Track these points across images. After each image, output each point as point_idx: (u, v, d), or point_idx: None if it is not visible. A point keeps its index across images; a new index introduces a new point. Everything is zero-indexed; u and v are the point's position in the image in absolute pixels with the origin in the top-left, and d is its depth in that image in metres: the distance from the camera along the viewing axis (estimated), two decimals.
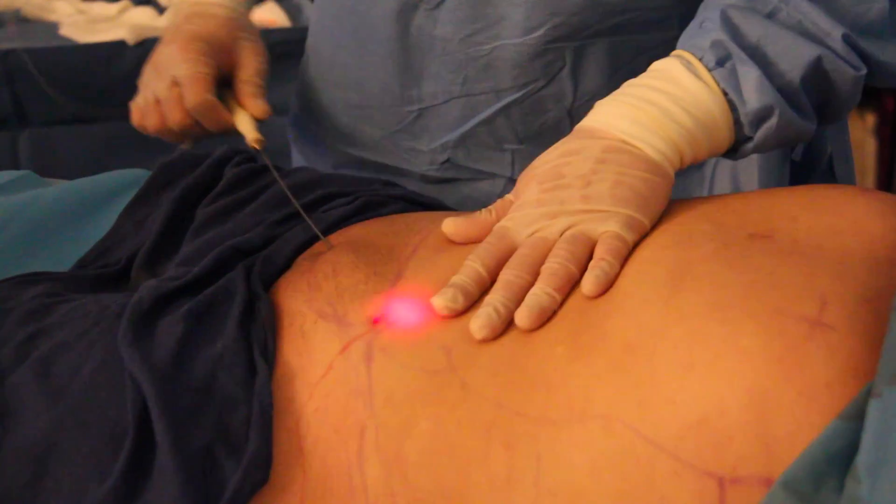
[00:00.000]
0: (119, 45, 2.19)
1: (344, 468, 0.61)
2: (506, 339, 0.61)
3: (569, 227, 0.65)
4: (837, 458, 0.47)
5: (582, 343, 0.57)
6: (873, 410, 0.47)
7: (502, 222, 0.69)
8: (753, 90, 0.69)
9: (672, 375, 0.53)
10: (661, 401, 0.53)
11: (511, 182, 0.94)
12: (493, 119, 0.92)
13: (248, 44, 0.96)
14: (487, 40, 0.88)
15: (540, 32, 0.86)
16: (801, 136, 0.73)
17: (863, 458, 0.45)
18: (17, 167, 2.16)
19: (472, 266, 0.65)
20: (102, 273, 0.79)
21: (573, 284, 0.63)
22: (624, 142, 0.68)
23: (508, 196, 0.72)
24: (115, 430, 0.60)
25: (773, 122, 0.69)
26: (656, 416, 0.53)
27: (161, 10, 2.45)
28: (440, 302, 0.63)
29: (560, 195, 0.67)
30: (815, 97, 0.72)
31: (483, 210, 0.71)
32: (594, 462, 0.54)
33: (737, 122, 0.70)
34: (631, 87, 0.71)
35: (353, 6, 0.93)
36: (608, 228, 0.64)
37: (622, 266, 0.62)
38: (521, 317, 0.61)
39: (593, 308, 0.59)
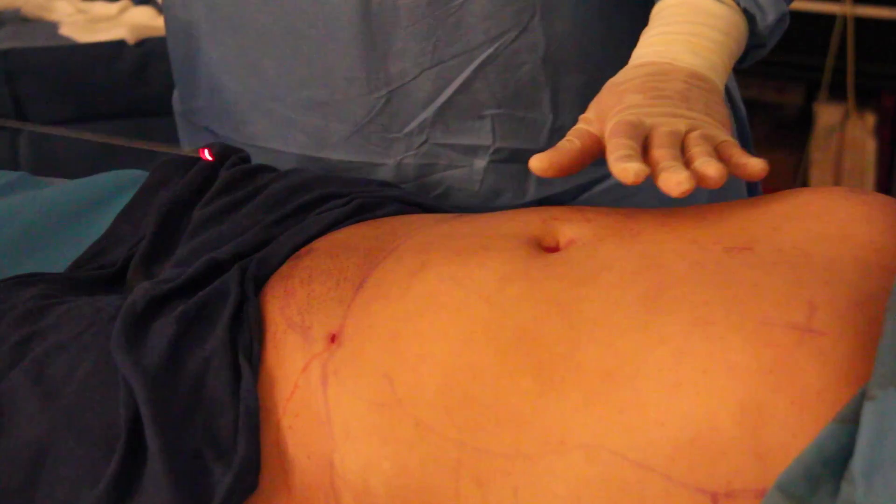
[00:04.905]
0: (119, 45, 2.18)
1: (322, 495, 0.61)
2: (452, 371, 0.59)
3: (693, 129, 0.66)
4: (833, 460, 0.47)
5: (550, 376, 0.56)
6: (868, 413, 0.46)
7: (621, 116, 0.67)
8: (770, 3, 0.79)
9: (659, 397, 0.53)
10: (649, 424, 0.52)
11: (496, 152, 0.93)
12: (469, 83, 0.90)
13: None
14: None
15: None
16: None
17: (858, 461, 0.45)
18: (16, 167, 2.16)
19: (622, 141, 0.63)
20: (99, 274, 0.79)
21: None
22: (696, 73, 0.72)
23: (582, 121, 0.71)
24: (109, 434, 0.60)
25: (784, 25, 0.81)
26: (645, 440, 0.52)
27: (161, 9, 2.44)
28: (629, 166, 0.60)
29: (667, 103, 0.69)
30: None
31: (563, 140, 0.69)
32: (577, 490, 0.53)
33: (752, 33, 0.80)
34: (672, 26, 0.76)
35: None
36: (727, 138, 0.66)
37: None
38: (715, 168, 0.60)
39: (553, 338, 0.57)
